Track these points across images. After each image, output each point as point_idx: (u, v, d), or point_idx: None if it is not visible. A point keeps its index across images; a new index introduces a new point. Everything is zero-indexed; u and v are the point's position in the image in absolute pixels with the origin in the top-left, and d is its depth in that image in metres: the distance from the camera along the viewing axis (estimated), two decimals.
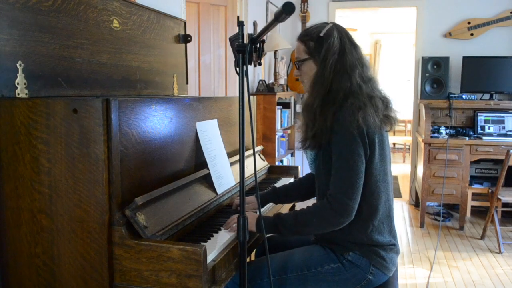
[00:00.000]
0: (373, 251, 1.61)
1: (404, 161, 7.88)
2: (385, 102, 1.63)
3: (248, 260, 1.71)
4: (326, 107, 1.57)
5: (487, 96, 4.70)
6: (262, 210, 1.93)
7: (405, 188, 5.84)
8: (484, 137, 4.32)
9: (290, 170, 2.61)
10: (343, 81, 1.57)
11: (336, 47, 1.59)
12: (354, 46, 1.64)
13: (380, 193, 1.61)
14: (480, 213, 4.81)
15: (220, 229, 1.61)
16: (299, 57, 1.68)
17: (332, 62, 1.58)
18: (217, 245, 1.47)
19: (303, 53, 1.66)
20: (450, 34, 4.90)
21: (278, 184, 2.37)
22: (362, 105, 1.53)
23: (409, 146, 7.04)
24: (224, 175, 1.90)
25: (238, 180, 1.96)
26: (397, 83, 8.56)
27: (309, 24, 5.14)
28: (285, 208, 2.14)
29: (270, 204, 2.02)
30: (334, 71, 1.58)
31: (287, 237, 1.87)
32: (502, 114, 4.51)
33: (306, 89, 1.70)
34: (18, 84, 1.40)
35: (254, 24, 4.24)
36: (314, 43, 1.62)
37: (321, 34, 1.60)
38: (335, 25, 1.64)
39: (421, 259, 3.56)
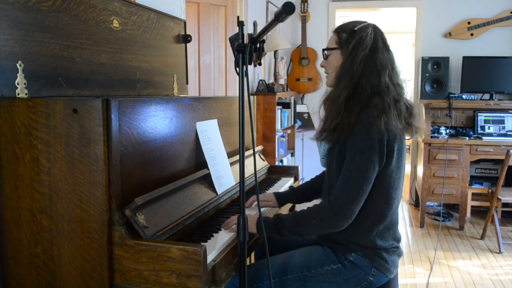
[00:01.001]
0: (375, 253, 1.61)
1: None
2: (410, 110, 1.62)
3: (247, 261, 1.71)
4: (353, 102, 1.56)
5: (487, 96, 4.70)
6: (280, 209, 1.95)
7: (405, 188, 5.84)
8: (484, 137, 4.32)
9: (290, 170, 2.61)
10: (372, 77, 1.56)
11: (368, 43, 1.57)
12: (387, 48, 1.62)
13: (391, 200, 1.60)
14: (480, 213, 4.81)
15: (220, 229, 1.61)
16: (329, 46, 1.68)
17: (363, 57, 1.56)
18: (217, 245, 1.47)
19: (333, 43, 1.66)
20: (450, 34, 4.90)
21: (278, 184, 2.37)
22: (387, 107, 1.51)
23: (409, 146, 7.03)
24: (224, 175, 1.90)
25: (238, 180, 1.96)
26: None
27: (309, 24, 5.14)
28: (285, 208, 2.14)
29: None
30: (363, 65, 1.56)
31: (287, 238, 1.87)
32: (502, 114, 4.51)
33: (330, 81, 1.69)
34: (18, 84, 1.40)
35: (254, 24, 4.24)
36: (347, 35, 1.61)
37: (355, 28, 1.60)
38: (373, 25, 1.64)
39: (421, 259, 3.56)
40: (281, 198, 1.96)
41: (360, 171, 1.51)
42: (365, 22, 1.64)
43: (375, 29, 1.62)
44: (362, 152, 1.51)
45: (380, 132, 1.49)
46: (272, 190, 2.25)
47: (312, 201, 2.04)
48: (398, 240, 1.68)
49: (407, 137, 1.63)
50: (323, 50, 1.70)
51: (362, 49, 1.57)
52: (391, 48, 1.65)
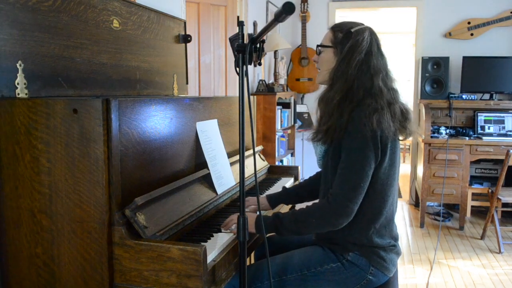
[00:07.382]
0: (373, 251, 1.61)
1: (404, 161, 7.88)
2: (405, 113, 1.62)
3: (247, 261, 1.71)
4: (345, 103, 1.57)
5: (487, 96, 4.70)
6: (273, 210, 1.94)
7: (405, 188, 5.84)
8: (484, 137, 4.32)
9: (290, 170, 2.61)
10: (365, 80, 1.57)
11: (364, 47, 1.58)
12: (382, 54, 1.63)
13: (386, 197, 1.60)
14: (480, 213, 4.81)
15: (220, 229, 1.61)
16: (323, 43, 1.68)
17: (358, 61, 1.57)
18: (217, 245, 1.47)
19: (328, 41, 1.67)
20: (450, 34, 4.90)
21: (278, 184, 2.37)
22: (379, 108, 1.52)
23: (409, 146, 7.03)
24: (224, 175, 1.90)
25: (238, 180, 1.96)
26: (397, 83, 8.54)
27: (309, 24, 5.14)
28: (284, 208, 2.14)
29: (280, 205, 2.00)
30: (358, 69, 1.57)
31: (286, 237, 1.87)
32: (502, 114, 4.51)
33: (321, 79, 1.70)
34: (18, 84, 1.40)
35: (254, 24, 4.24)
36: (342, 36, 1.62)
37: (352, 30, 1.60)
38: (370, 29, 1.64)
39: (421, 259, 3.56)
40: (274, 200, 1.94)
41: (356, 169, 1.51)
42: (363, 24, 1.65)
43: (372, 33, 1.63)
44: (357, 150, 1.52)
45: (373, 130, 1.50)
46: (272, 190, 2.24)
47: (304, 202, 2.04)
48: (395, 238, 1.68)
49: (400, 138, 1.63)
50: (317, 46, 1.71)
51: (357, 53, 1.57)
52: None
